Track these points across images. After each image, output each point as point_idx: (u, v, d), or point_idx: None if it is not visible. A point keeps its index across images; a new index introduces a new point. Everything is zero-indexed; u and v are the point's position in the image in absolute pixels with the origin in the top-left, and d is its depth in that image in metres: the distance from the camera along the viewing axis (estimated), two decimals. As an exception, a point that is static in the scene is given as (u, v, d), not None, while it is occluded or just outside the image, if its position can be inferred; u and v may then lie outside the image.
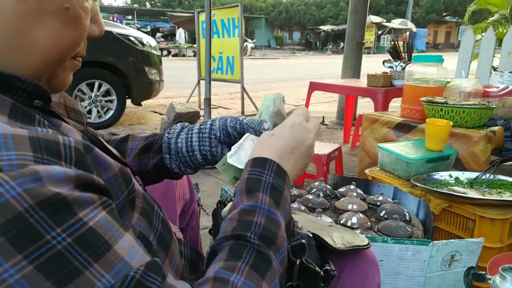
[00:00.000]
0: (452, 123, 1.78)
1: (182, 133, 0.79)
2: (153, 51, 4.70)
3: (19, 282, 0.32)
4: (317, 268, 0.64)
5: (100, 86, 4.26)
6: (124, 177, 0.51)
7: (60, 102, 0.65)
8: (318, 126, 0.70)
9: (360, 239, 0.81)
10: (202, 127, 0.78)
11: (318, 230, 0.81)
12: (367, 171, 1.85)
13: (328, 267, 0.67)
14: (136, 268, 0.38)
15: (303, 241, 0.64)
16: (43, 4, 0.45)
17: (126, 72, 4.36)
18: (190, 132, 0.78)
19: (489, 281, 0.75)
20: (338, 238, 0.79)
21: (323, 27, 36.13)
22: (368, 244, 0.80)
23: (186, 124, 0.82)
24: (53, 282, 0.33)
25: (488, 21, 6.85)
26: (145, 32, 10.36)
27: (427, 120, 1.79)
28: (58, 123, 0.50)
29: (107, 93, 4.34)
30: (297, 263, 0.62)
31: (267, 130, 0.72)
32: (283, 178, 0.59)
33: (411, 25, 31.45)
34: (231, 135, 0.75)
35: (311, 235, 0.73)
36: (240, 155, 0.70)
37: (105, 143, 0.62)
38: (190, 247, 0.83)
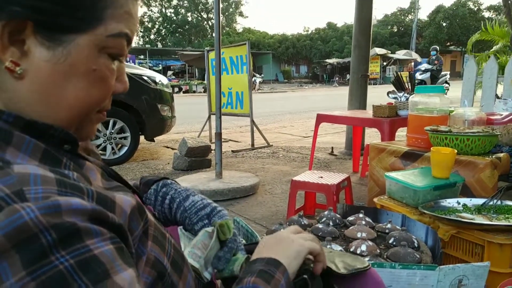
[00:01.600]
0: (457, 150, 1.83)
1: (181, 207, 0.78)
2: (165, 89, 4.86)
3: None
4: None
5: (114, 123, 4.40)
6: (140, 210, 0.56)
7: (81, 146, 0.72)
8: (304, 234, 0.74)
9: (360, 262, 0.86)
10: (204, 211, 0.77)
11: None
12: (375, 199, 1.89)
13: None
14: None
15: (305, 276, 0.70)
16: (74, 66, 0.51)
17: (140, 109, 4.50)
18: (190, 209, 0.77)
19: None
20: (340, 263, 0.83)
21: (329, 60, 36.74)
22: (368, 266, 0.85)
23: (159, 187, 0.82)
24: None
25: (492, 50, 6.96)
26: (157, 71, 10.73)
27: (431, 148, 1.84)
28: (82, 163, 0.56)
29: (121, 130, 4.47)
30: None
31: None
32: (276, 266, 0.63)
33: (415, 56, 31.77)
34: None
35: (312, 265, 0.78)
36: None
37: (121, 176, 0.69)
38: None
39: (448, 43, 41.05)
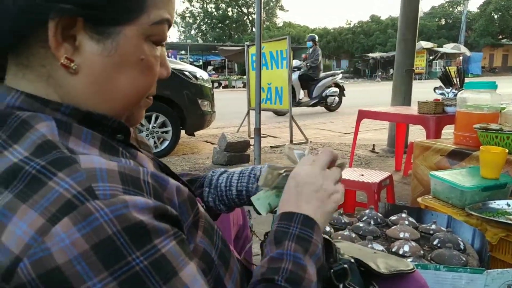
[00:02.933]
0: (508, 150, 1.73)
1: (224, 173, 0.87)
2: (206, 84, 4.93)
3: None
4: None
5: (157, 118, 4.52)
6: (191, 201, 0.58)
7: (133, 137, 0.76)
8: (337, 174, 0.71)
9: (405, 264, 0.83)
10: (244, 170, 0.87)
11: (362, 256, 0.84)
12: (419, 199, 1.83)
13: None
14: None
15: (345, 266, 0.69)
16: (124, 57, 0.53)
17: (181, 104, 4.60)
18: (233, 172, 0.87)
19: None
20: (382, 263, 0.81)
21: (371, 55, 35.85)
22: (413, 268, 0.82)
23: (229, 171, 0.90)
24: None
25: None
26: (197, 66, 10.88)
27: (481, 147, 1.76)
28: (135, 153, 0.59)
29: (163, 125, 4.58)
30: (340, 287, 0.66)
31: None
32: (311, 226, 0.63)
33: (464, 49, 30.41)
34: None
35: (353, 260, 0.77)
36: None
37: (172, 170, 0.71)
38: (243, 266, 0.88)
39: (500, 36, 38.89)
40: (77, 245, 0.39)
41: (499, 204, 1.62)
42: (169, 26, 0.58)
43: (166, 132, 4.62)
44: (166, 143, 4.65)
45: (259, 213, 0.76)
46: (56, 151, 0.45)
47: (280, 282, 0.56)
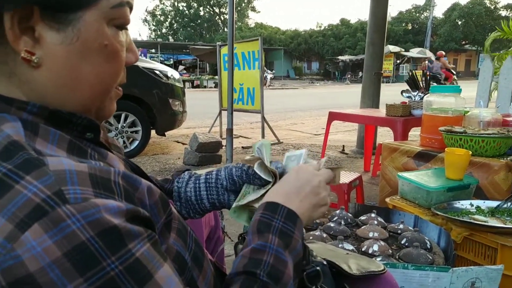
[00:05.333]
0: (471, 152, 1.80)
1: (190, 182, 0.84)
2: (177, 84, 4.88)
3: None
4: None
5: (126, 117, 4.43)
6: (163, 202, 0.57)
7: (103, 138, 0.73)
8: (328, 174, 0.74)
9: (376, 265, 0.85)
10: (208, 176, 0.83)
11: (335, 257, 0.85)
12: (387, 199, 1.88)
13: None
14: None
15: (318, 268, 0.69)
16: (86, 45, 0.51)
17: (151, 104, 4.53)
18: (198, 181, 0.83)
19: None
20: (353, 265, 0.83)
21: (341, 57, 36.49)
22: (384, 269, 0.84)
23: (193, 172, 0.88)
24: None
25: (509, 50, 6.83)
26: (168, 65, 10.74)
27: (446, 149, 1.82)
28: (105, 153, 0.57)
29: (132, 124, 4.50)
30: None
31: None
32: (293, 221, 0.64)
33: (429, 54, 31.41)
34: (237, 183, 0.80)
35: (325, 262, 0.78)
36: (248, 198, 0.75)
37: (144, 171, 0.69)
38: (216, 268, 0.88)
39: (464, 42, 40.46)
40: (49, 252, 0.38)
41: (463, 204, 1.68)
42: (131, 9, 0.56)
43: (136, 132, 4.54)
44: (136, 143, 4.57)
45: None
46: (23, 152, 0.44)
47: (262, 277, 0.56)
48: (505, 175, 1.80)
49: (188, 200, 0.83)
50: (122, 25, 0.55)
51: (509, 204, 1.64)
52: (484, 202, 1.69)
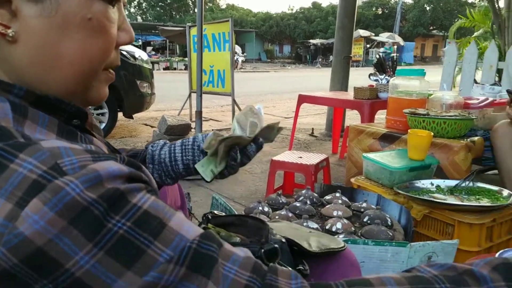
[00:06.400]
0: (433, 133, 1.86)
1: (165, 147, 0.85)
2: (145, 65, 4.77)
3: (95, 266, 0.37)
4: (290, 269, 0.70)
5: (92, 99, 4.30)
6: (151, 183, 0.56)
7: (89, 122, 0.71)
8: None
9: (336, 242, 0.87)
10: (184, 141, 0.84)
11: (297, 236, 0.86)
12: (352, 179, 1.92)
13: (301, 267, 0.73)
14: (192, 239, 0.42)
15: (276, 245, 0.70)
16: (67, 17, 0.48)
17: (118, 85, 4.40)
18: (173, 145, 0.84)
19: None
20: (314, 242, 0.84)
21: (312, 41, 36.61)
22: (344, 246, 0.86)
23: (168, 140, 0.88)
24: (122, 264, 0.38)
25: (473, 36, 7.04)
26: (136, 46, 10.43)
27: (409, 130, 1.87)
28: (90, 139, 0.56)
29: (99, 106, 4.38)
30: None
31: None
32: None
33: (398, 39, 32.03)
34: None
35: (284, 240, 0.79)
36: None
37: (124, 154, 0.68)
38: None
39: (431, 27, 41.36)
40: (53, 223, 0.37)
41: (424, 183, 1.74)
42: None
43: (102, 114, 4.42)
44: (103, 125, 4.45)
45: (206, 181, 0.78)
46: (12, 140, 0.42)
47: None
48: (465, 156, 1.87)
49: (161, 162, 0.83)
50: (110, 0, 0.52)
51: (467, 183, 1.71)
52: (444, 181, 1.76)
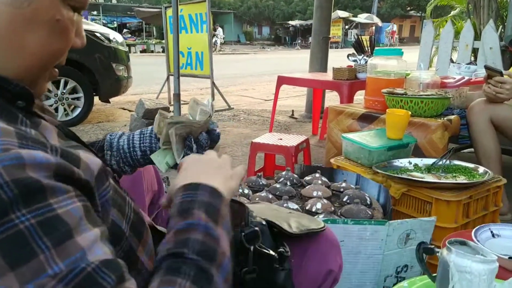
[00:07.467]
0: (411, 112, 1.88)
1: (124, 136, 0.85)
2: (120, 47, 4.64)
3: None
4: (271, 251, 0.69)
5: (66, 83, 4.17)
6: (106, 172, 0.53)
7: (37, 104, 0.68)
8: (241, 171, 0.70)
9: (316, 223, 0.87)
10: (143, 130, 0.85)
11: (276, 217, 0.86)
12: (332, 160, 1.92)
13: (282, 249, 0.72)
14: (90, 261, 0.38)
15: (256, 228, 0.69)
16: (37, 13, 0.49)
17: (93, 68, 4.29)
18: (132, 134, 0.84)
19: (437, 254, 0.82)
20: (294, 223, 0.84)
21: (291, 22, 36.34)
22: (324, 226, 0.86)
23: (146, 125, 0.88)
24: (6, 262, 0.34)
25: (449, 15, 7.12)
26: (112, 28, 10.13)
27: (387, 110, 1.88)
28: (38, 122, 0.52)
29: (73, 91, 4.25)
30: (251, 249, 0.67)
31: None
32: (218, 197, 0.58)
33: (376, 20, 32.08)
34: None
35: (264, 222, 0.78)
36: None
37: (81, 139, 0.65)
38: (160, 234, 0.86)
39: (409, 8, 41.56)
40: None
41: (402, 162, 1.76)
42: None
43: (78, 98, 4.31)
44: (78, 110, 4.35)
45: (160, 170, 0.80)
46: None
47: (189, 255, 0.48)
48: (441, 134, 1.90)
49: (120, 149, 0.82)
50: (78, 8, 0.55)
51: (444, 161, 1.73)
52: (421, 160, 1.78)
